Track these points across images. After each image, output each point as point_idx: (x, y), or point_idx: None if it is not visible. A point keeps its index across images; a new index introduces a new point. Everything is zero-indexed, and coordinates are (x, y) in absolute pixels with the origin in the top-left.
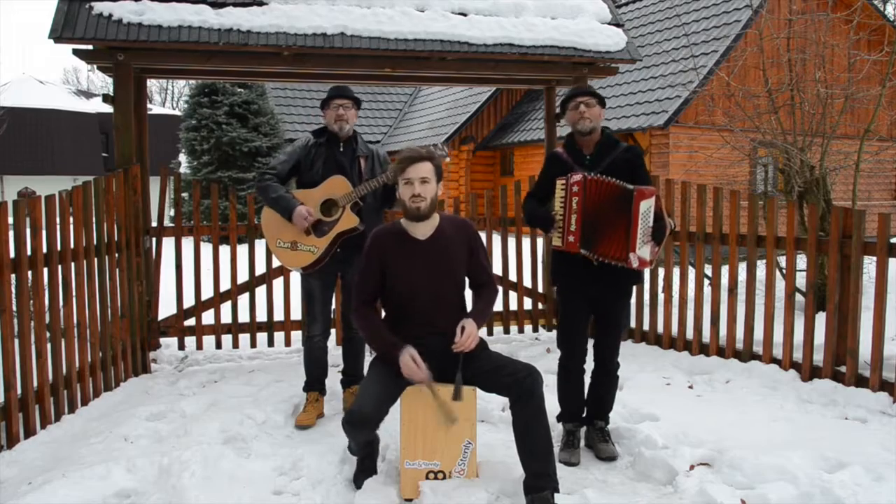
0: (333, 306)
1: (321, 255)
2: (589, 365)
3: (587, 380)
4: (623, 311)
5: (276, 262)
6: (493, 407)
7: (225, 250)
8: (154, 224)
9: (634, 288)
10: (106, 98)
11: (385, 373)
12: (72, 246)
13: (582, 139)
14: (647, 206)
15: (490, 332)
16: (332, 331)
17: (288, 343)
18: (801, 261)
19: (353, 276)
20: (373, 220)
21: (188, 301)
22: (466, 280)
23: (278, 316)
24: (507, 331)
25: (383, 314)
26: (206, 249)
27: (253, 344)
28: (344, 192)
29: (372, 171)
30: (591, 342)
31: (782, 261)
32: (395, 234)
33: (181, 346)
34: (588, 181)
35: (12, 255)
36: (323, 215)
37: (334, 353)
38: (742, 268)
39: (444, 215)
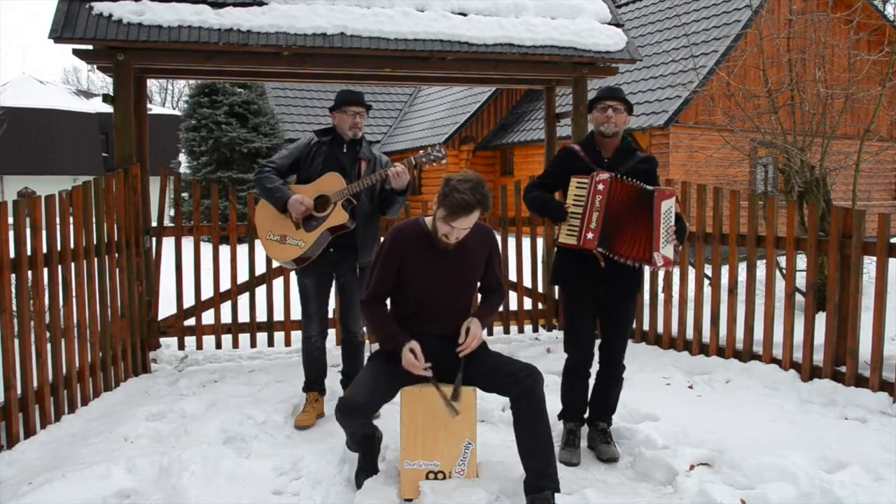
0: (332, 306)
1: (308, 249)
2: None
3: (590, 381)
4: (630, 313)
5: (276, 263)
6: (493, 407)
7: (225, 250)
8: (154, 224)
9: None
10: (106, 98)
11: (382, 367)
12: (72, 246)
13: (603, 141)
14: (668, 206)
15: (490, 332)
16: (332, 331)
17: (288, 343)
18: (801, 261)
19: (347, 279)
20: (367, 222)
21: (188, 301)
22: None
23: (278, 316)
24: (507, 331)
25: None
26: (206, 249)
27: (253, 344)
28: (337, 189)
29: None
30: (597, 343)
31: (782, 261)
32: (418, 233)
33: (181, 346)
34: (614, 182)
35: (12, 255)
36: (316, 211)
37: (334, 353)
38: (742, 268)
39: None
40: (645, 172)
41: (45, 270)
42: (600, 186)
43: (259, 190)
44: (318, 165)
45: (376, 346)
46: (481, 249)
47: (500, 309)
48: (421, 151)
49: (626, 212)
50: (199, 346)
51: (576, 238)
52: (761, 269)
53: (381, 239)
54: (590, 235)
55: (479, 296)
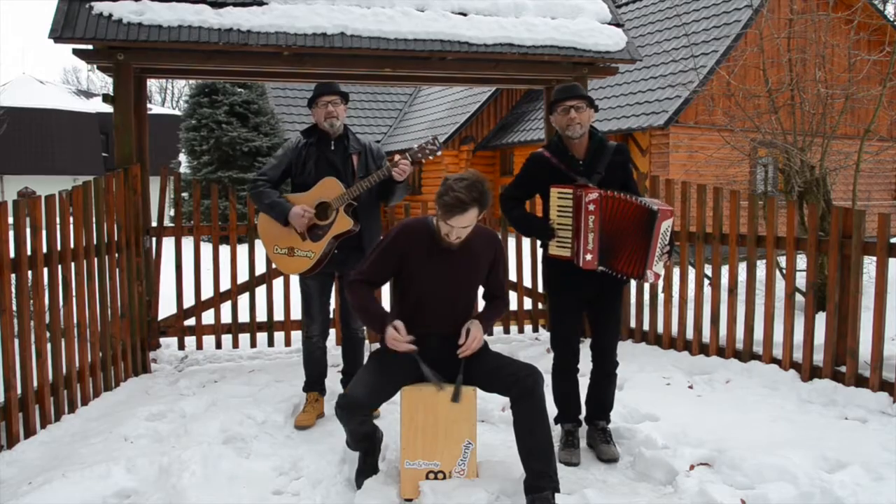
0: (333, 306)
1: (318, 259)
2: (587, 365)
3: (583, 380)
4: (619, 308)
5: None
6: (493, 407)
7: (225, 250)
8: (154, 224)
9: (633, 287)
10: (106, 98)
11: (381, 365)
12: (72, 246)
13: (572, 143)
14: (666, 226)
15: (490, 332)
16: (332, 331)
17: (288, 343)
18: (801, 261)
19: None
20: (370, 217)
21: (188, 301)
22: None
23: (278, 316)
24: (507, 331)
25: (388, 308)
26: (206, 249)
27: (253, 344)
28: (337, 195)
29: (365, 168)
30: (587, 342)
31: (782, 261)
32: (425, 232)
33: (181, 346)
34: (604, 199)
35: (12, 255)
36: (317, 218)
37: (334, 352)
38: (742, 268)
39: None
40: (621, 165)
41: (45, 270)
42: (591, 206)
43: (257, 206)
44: (310, 169)
45: (377, 346)
46: (486, 253)
47: None
48: (416, 146)
49: (623, 229)
50: (199, 346)
51: (569, 251)
52: (761, 269)
53: (388, 231)
54: (588, 256)
55: (483, 303)
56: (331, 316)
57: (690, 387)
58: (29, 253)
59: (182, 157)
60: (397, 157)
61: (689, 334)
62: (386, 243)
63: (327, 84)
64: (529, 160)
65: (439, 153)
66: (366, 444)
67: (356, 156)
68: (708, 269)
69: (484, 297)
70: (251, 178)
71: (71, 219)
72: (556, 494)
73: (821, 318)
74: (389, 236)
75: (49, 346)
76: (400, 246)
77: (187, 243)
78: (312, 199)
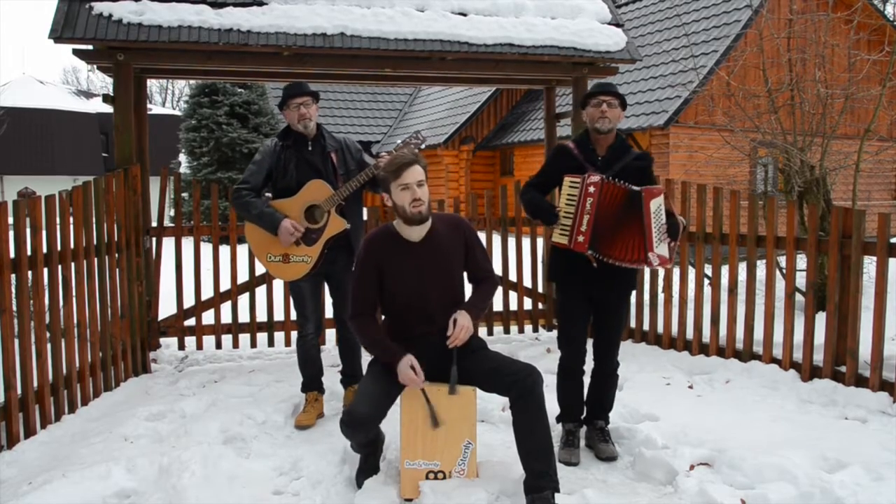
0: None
1: (315, 262)
2: (588, 365)
3: (586, 380)
4: (624, 311)
5: None
6: (493, 407)
7: (225, 250)
8: (154, 224)
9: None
10: (106, 98)
11: (382, 374)
12: (72, 246)
13: (597, 137)
14: (657, 205)
15: (490, 332)
16: (331, 331)
17: (288, 343)
18: (801, 261)
19: (343, 276)
20: (354, 214)
21: (188, 301)
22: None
23: (278, 316)
24: (507, 331)
25: (382, 316)
26: (206, 249)
27: (253, 344)
28: (326, 196)
29: (345, 164)
30: (590, 342)
31: (782, 261)
32: (389, 238)
33: (181, 346)
34: (604, 184)
35: (12, 255)
36: (308, 222)
37: (333, 352)
38: (742, 268)
39: (435, 215)
40: (640, 170)
41: (45, 270)
42: (591, 189)
43: (244, 216)
44: (291, 172)
45: None
46: (456, 239)
47: (500, 309)
48: (400, 142)
49: (616, 214)
50: (199, 346)
51: (567, 238)
52: (761, 269)
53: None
54: (580, 238)
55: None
56: (327, 315)
57: (690, 387)
58: (29, 253)
59: (182, 158)
60: (384, 154)
61: (689, 334)
62: (359, 263)
63: (297, 85)
64: (553, 150)
65: (423, 146)
66: (369, 449)
67: (334, 153)
68: (708, 269)
69: (470, 281)
70: (232, 199)
71: (71, 219)
72: (556, 494)
73: (821, 318)
74: (360, 256)
75: (49, 346)
76: (371, 258)
77: (187, 243)
78: (300, 203)
